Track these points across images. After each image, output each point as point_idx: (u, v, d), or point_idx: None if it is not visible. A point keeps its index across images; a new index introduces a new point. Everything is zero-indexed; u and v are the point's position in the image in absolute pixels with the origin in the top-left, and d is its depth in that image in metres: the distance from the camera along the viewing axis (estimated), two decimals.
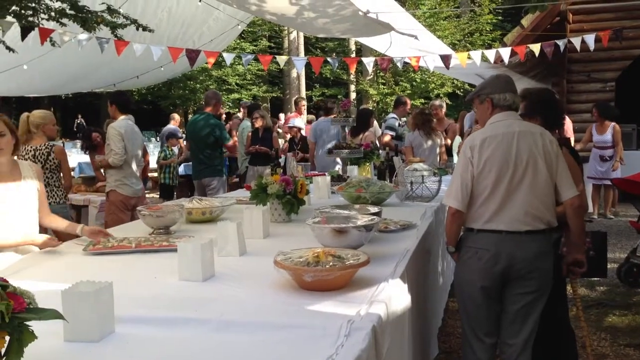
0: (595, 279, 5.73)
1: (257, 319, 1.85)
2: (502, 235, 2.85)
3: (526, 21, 10.75)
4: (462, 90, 21.91)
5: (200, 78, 22.17)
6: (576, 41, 8.36)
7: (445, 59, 8.24)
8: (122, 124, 5.67)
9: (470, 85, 17.14)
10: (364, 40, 8.96)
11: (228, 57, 8.10)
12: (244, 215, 3.15)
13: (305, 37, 21.97)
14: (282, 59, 8.35)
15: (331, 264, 2.15)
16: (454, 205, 2.93)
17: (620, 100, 10.90)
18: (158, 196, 10.21)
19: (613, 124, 9.04)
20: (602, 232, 3.35)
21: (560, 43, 8.38)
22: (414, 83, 22.32)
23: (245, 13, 9.17)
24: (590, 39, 8.20)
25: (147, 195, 7.58)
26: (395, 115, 8.28)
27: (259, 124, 8.49)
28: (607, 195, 9.29)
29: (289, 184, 3.50)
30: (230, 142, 7.23)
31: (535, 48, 8.33)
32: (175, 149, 11.28)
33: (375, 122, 8.22)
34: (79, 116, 25.10)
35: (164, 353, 1.62)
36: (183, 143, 10.66)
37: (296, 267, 2.13)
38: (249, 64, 17.31)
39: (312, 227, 2.62)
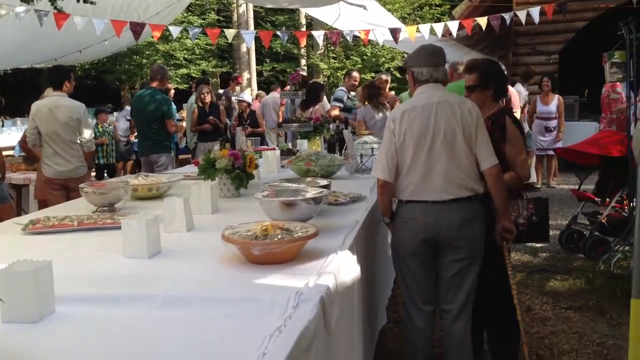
0: (538, 245, 5.94)
1: (204, 294, 1.83)
2: (429, 204, 2.90)
3: None
4: None
5: (147, 52, 21.52)
6: (522, 14, 8.52)
7: (395, 32, 8.27)
8: (39, 103, 5.50)
9: None
10: (313, 12, 8.88)
11: (174, 31, 7.92)
12: (191, 191, 3.10)
13: (255, 10, 21.60)
14: (230, 33, 8.22)
15: (280, 236, 2.14)
16: (381, 177, 2.98)
17: (563, 72, 11.18)
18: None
19: (557, 95, 9.27)
20: (544, 198, 3.44)
21: (507, 16, 8.53)
22: (364, 57, 22.31)
23: None
24: (535, 12, 8.37)
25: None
26: (343, 88, 8.26)
27: (208, 99, 8.35)
28: (549, 164, 9.56)
29: (238, 158, 3.45)
30: (173, 128, 6.94)
31: (482, 21, 8.45)
32: (123, 127, 10.99)
33: (324, 96, 8.19)
34: None
35: (106, 331, 1.58)
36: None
37: (244, 240, 2.11)
38: (197, 38, 16.93)
39: (260, 200, 2.60)
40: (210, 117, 8.21)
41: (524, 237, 3.25)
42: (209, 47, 22.10)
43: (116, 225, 2.63)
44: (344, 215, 3.01)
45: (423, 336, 3.07)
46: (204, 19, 22.27)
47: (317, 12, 7.93)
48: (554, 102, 9.18)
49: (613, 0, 10.19)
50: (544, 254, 5.83)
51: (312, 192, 2.70)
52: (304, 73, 9.09)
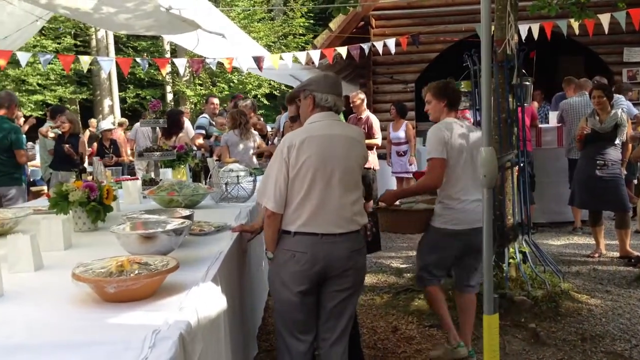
0: (403, 266, 6.17)
1: (49, 340, 1.67)
2: (319, 237, 2.85)
3: (334, 25, 11.24)
4: (278, 91, 22.36)
5: None
6: (379, 45, 8.97)
7: (258, 60, 8.35)
8: None
9: (286, 86, 17.53)
10: (173, 38, 8.72)
11: (23, 57, 7.42)
12: (40, 226, 2.87)
13: (115, 36, 20.85)
14: (85, 60, 7.83)
15: (137, 272, 2.03)
16: (270, 207, 2.87)
17: (420, 100, 11.83)
18: None
19: (406, 122, 9.74)
20: (375, 212, 3.67)
21: (365, 46, 8.95)
22: (231, 84, 22.32)
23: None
24: (391, 43, 8.87)
25: None
26: (206, 115, 8.16)
27: (65, 129, 7.87)
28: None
29: (93, 190, 3.26)
30: (23, 159, 6.46)
31: (343, 51, 8.78)
32: None
33: (188, 123, 8.04)
34: None
35: None
36: None
37: (97, 278, 1.98)
38: (49, 63, 15.93)
39: (117, 234, 2.46)
40: (66, 145, 7.73)
41: (369, 248, 3.36)
42: (65, 72, 20.95)
43: None
44: (209, 245, 2.92)
45: None
46: (59, 43, 21.06)
47: (176, 39, 7.77)
48: (402, 127, 9.59)
49: (459, 34, 11.01)
50: (408, 275, 6.04)
51: (173, 224, 2.61)
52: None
